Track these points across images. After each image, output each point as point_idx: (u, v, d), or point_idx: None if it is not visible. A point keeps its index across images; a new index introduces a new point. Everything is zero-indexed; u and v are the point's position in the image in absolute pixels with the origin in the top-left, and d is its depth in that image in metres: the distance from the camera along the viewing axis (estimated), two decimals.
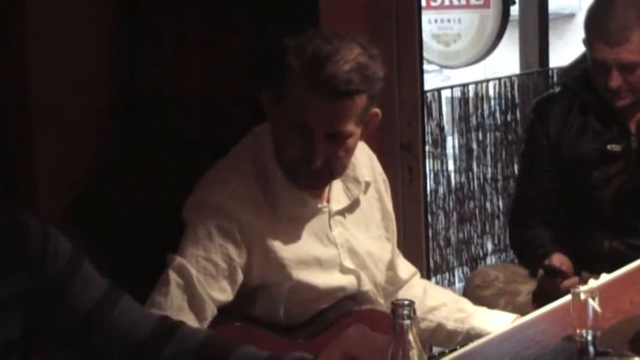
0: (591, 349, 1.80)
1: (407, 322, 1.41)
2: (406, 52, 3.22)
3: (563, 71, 3.17)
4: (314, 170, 1.95)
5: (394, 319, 1.42)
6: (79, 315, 1.59)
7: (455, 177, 5.33)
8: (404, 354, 1.41)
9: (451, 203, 5.28)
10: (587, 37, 2.80)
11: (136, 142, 3.04)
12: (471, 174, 5.38)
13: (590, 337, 1.80)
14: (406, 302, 1.42)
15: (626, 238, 2.83)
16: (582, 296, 1.84)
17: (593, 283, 2.21)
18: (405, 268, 2.35)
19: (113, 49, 3.00)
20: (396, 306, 1.42)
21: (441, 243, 5.18)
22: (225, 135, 2.20)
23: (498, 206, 5.50)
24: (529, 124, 3.04)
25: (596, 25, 2.76)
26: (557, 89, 3.02)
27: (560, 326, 1.92)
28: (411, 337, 1.41)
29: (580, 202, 2.88)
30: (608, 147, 2.83)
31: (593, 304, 1.82)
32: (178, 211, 2.03)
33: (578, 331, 1.83)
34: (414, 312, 1.42)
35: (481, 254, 5.41)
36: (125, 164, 3.00)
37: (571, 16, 11.37)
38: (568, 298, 1.98)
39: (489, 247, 5.47)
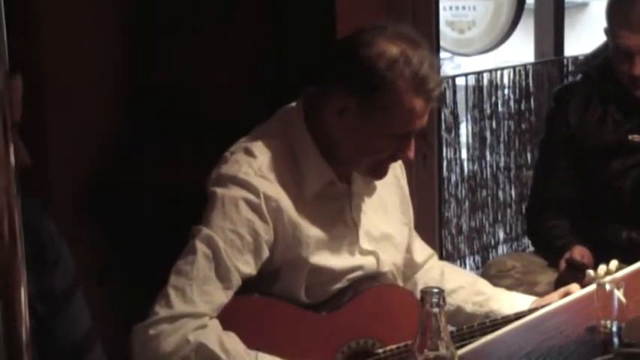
0: (616, 340, 1.78)
1: (436, 310, 1.40)
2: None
3: (584, 60, 3.15)
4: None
5: (423, 306, 1.40)
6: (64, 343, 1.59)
7: (468, 165, 5.30)
8: (432, 342, 1.40)
9: (463, 191, 5.24)
10: (609, 25, 2.77)
11: (149, 130, 3.02)
12: (483, 162, 5.35)
13: (614, 328, 1.79)
14: (435, 290, 1.41)
15: None
16: (607, 287, 1.82)
17: (602, 269, 2.19)
18: (422, 252, 2.35)
19: (127, 36, 2.98)
20: (425, 293, 1.40)
21: (453, 231, 5.15)
22: (238, 123, 2.19)
23: (511, 195, 5.47)
24: (549, 112, 3.02)
25: (620, 12, 2.74)
26: (578, 78, 3.00)
27: (584, 317, 1.91)
28: (439, 326, 1.40)
29: (599, 192, 2.86)
30: (629, 137, 2.81)
31: (619, 294, 1.80)
32: (190, 198, 2.02)
33: (602, 321, 1.82)
34: (444, 300, 1.40)
35: (492, 243, 5.38)
36: (138, 151, 2.99)
37: (584, 5, 11.31)
38: (591, 288, 1.97)
39: (501, 235, 5.44)
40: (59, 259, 1.60)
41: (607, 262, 2.25)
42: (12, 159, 0.79)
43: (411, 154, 2.02)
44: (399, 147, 2.00)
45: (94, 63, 2.86)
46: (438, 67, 2.03)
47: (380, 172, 2.07)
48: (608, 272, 2.12)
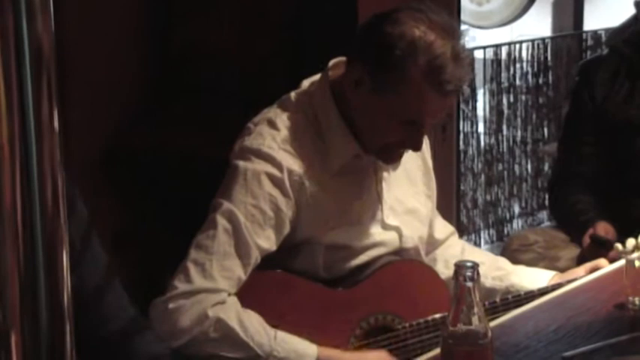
0: None
1: (469, 284, 1.38)
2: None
3: (612, 33, 3.10)
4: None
5: (456, 280, 1.39)
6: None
7: (484, 139, 5.28)
8: (465, 316, 1.38)
9: (480, 165, 5.23)
10: None
11: (169, 94, 3.01)
12: (500, 136, 5.33)
13: None
14: (469, 264, 1.39)
15: None
16: (637, 263, 1.80)
17: (631, 242, 2.15)
18: (442, 229, 2.33)
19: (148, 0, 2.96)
20: (459, 267, 1.39)
21: (468, 204, 5.14)
22: (259, 88, 2.17)
23: (527, 169, 5.45)
24: (574, 85, 2.98)
25: None
26: (604, 52, 2.96)
27: (612, 294, 1.89)
28: (472, 300, 1.38)
29: (623, 167, 2.83)
30: None
31: None
32: (208, 163, 2.01)
33: (630, 299, 1.80)
34: (478, 274, 1.39)
35: (508, 217, 5.36)
36: (157, 115, 2.98)
37: None
38: (619, 264, 1.95)
39: (516, 209, 5.43)
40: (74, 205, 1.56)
41: (635, 237, 2.22)
42: (56, 125, 0.78)
43: (419, 146, 1.98)
44: (407, 135, 1.95)
45: (114, 25, 2.84)
46: (469, 61, 1.96)
47: (390, 158, 2.03)
48: (637, 247, 2.08)
